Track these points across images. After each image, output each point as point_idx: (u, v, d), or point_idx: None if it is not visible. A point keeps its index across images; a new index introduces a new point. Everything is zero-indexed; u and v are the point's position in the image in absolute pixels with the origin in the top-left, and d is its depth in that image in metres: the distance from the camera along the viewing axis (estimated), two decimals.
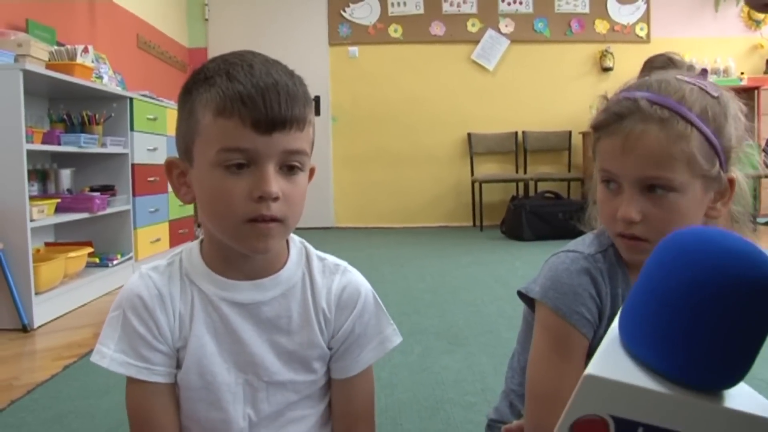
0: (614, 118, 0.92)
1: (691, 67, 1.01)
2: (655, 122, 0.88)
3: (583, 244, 1.04)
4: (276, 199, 0.88)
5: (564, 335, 0.97)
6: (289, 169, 0.90)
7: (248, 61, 0.90)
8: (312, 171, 0.98)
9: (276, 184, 0.87)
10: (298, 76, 0.93)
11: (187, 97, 0.92)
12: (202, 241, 1.02)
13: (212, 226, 0.93)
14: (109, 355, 0.94)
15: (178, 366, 0.97)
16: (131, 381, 0.95)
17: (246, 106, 0.85)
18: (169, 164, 0.96)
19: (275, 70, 0.90)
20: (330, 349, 1.02)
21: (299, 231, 0.93)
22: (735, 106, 0.95)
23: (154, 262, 1.02)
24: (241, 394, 0.98)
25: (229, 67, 0.89)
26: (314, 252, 1.05)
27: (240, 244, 0.92)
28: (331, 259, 1.06)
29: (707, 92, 0.92)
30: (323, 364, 1.03)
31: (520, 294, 1.07)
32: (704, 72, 0.98)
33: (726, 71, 6.54)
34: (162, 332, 0.95)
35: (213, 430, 0.99)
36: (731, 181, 0.94)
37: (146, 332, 0.94)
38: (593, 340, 0.99)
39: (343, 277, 1.04)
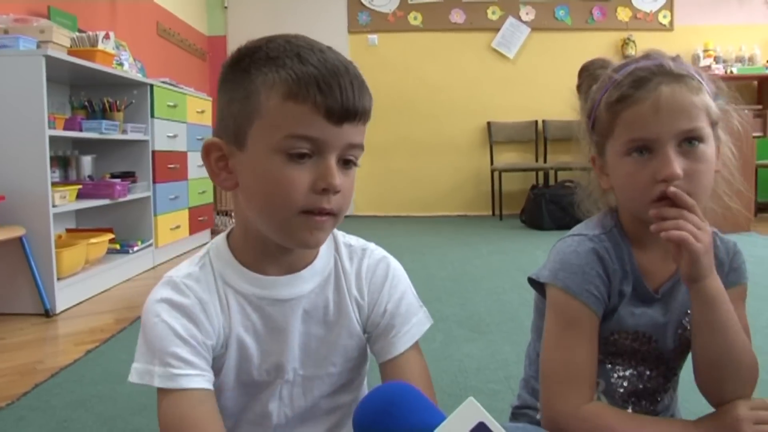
0: (642, 82, 0.95)
1: None
2: (678, 80, 0.94)
3: (587, 227, 1.07)
4: (337, 192, 0.85)
5: (574, 313, 1.00)
6: (344, 162, 0.87)
7: (317, 45, 0.86)
8: None
9: (338, 176, 0.84)
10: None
11: (242, 77, 0.86)
12: (228, 235, 0.98)
13: (260, 216, 0.88)
14: (157, 372, 0.86)
15: (216, 371, 0.93)
16: (172, 392, 0.86)
17: (321, 92, 0.81)
18: (209, 146, 0.90)
19: (342, 58, 0.86)
20: (367, 333, 1.00)
21: None
22: None
23: (183, 268, 0.95)
24: (277, 390, 0.97)
25: (298, 50, 0.84)
26: (342, 239, 1.03)
27: (288, 236, 0.88)
28: (356, 243, 1.03)
29: None
30: (361, 352, 1.01)
31: (531, 280, 1.09)
32: None
33: (751, 59, 6.42)
34: (207, 341, 0.90)
35: (248, 423, 0.98)
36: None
37: (191, 339, 0.88)
38: (602, 319, 1.02)
39: (370, 259, 1.02)
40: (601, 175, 1.07)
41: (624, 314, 1.02)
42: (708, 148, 0.95)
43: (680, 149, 0.94)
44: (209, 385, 0.88)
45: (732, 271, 1.06)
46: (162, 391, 0.86)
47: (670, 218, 0.91)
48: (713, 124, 0.97)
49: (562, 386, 0.98)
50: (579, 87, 1.14)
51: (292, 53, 0.84)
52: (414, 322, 1.01)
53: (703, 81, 0.97)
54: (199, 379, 0.86)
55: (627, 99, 0.96)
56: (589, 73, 1.11)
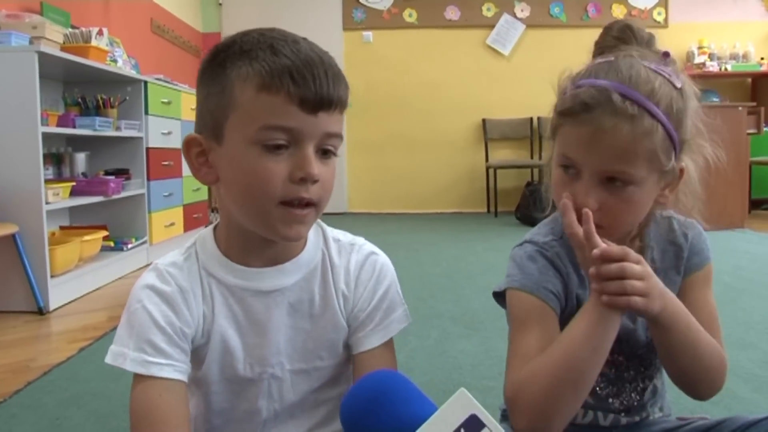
0: (583, 107, 0.89)
1: (650, 40, 0.99)
2: (625, 118, 0.86)
3: (539, 233, 1.05)
4: (315, 181, 0.85)
5: (531, 309, 0.97)
6: (323, 152, 0.87)
7: (290, 36, 0.86)
8: None
9: (317, 166, 0.85)
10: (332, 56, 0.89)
11: (218, 71, 0.87)
12: (215, 229, 0.98)
13: (240, 209, 0.89)
14: (130, 356, 0.88)
15: (199, 363, 0.94)
16: (144, 379, 0.88)
17: (295, 82, 0.81)
18: (189, 142, 0.90)
19: (317, 48, 0.87)
20: (349, 326, 1.00)
21: None
22: (694, 98, 0.95)
23: (169, 256, 0.97)
24: (266, 387, 0.96)
25: (271, 41, 0.85)
26: (330, 234, 1.03)
27: (269, 229, 0.88)
28: (345, 239, 1.04)
29: (672, 84, 0.91)
30: (347, 346, 1.01)
31: (495, 295, 1.07)
32: (666, 55, 0.96)
33: (745, 56, 6.44)
34: (185, 329, 0.91)
35: (237, 421, 0.98)
36: (681, 170, 0.95)
37: (168, 327, 0.89)
38: (561, 316, 0.99)
39: (358, 254, 1.02)
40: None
41: None
42: (639, 191, 0.90)
43: (604, 183, 0.90)
44: (180, 376, 0.89)
45: (694, 255, 1.04)
46: (135, 376, 0.88)
47: (611, 279, 0.84)
48: (659, 170, 0.90)
49: (512, 368, 0.93)
50: (597, 43, 1.03)
51: (265, 45, 0.84)
52: (392, 319, 1.01)
53: (662, 119, 0.88)
54: (169, 369, 0.88)
55: (571, 116, 0.91)
56: (608, 34, 1.01)
